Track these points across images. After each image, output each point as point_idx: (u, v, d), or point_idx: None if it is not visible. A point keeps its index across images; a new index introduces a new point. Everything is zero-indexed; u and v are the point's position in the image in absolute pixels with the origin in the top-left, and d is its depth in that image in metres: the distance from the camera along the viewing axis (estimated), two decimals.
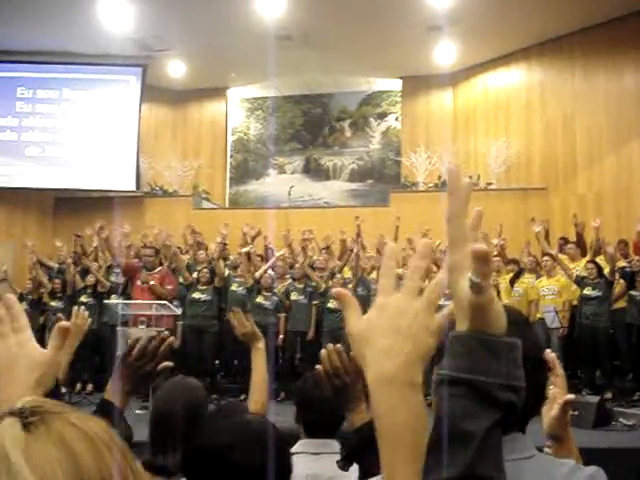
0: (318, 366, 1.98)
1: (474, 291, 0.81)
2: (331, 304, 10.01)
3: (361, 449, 1.88)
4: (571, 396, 1.62)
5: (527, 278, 10.41)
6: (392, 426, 0.84)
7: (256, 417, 1.74)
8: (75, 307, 2.97)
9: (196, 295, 10.29)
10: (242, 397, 9.22)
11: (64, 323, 1.20)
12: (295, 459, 1.92)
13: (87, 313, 2.89)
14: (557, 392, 1.64)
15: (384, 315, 0.88)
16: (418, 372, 0.86)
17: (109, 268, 11.23)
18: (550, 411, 1.64)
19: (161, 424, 2.45)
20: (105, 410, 1.84)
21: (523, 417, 1.45)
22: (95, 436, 0.76)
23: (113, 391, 1.93)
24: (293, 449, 2.50)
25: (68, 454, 0.72)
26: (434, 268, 9.55)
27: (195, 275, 10.61)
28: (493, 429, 0.82)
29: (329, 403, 2.59)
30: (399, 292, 0.90)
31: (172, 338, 2.00)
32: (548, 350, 1.55)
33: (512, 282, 10.17)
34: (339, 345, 1.97)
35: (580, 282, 9.79)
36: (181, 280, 10.55)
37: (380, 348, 0.86)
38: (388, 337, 0.86)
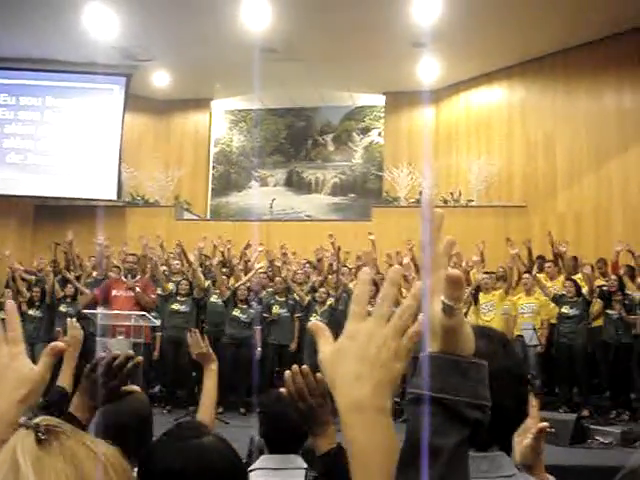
0: (282, 389, 1.94)
1: (446, 314, 0.86)
2: (313, 318, 10.01)
3: (328, 475, 1.86)
4: (545, 424, 1.64)
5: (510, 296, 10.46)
6: (364, 451, 0.86)
7: (213, 440, 1.71)
8: (68, 319, 2.99)
9: (175, 306, 10.26)
10: (220, 409, 9.22)
11: (59, 343, 1.19)
12: (253, 476, 1.90)
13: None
14: (530, 422, 1.65)
15: (354, 342, 0.90)
16: (387, 397, 0.88)
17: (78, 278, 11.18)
18: (523, 441, 1.65)
19: (108, 436, 2.42)
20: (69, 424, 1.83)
21: (506, 433, 1.48)
22: (106, 460, 0.77)
23: (78, 405, 1.93)
24: (254, 465, 2.51)
25: (77, 472, 0.74)
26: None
27: (171, 286, 10.58)
28: (461, 445, 0.86)
29: (292, 419, 2.60)
30: (369, 319, 0.92)
31: (140, 358, 2.00)
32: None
33: (475, 299, 10.20)
34: (305, 366, 1.93)
35: (558, 300, 9.86)
36: (160, 291, 10.51)
37: (350, 374, 0.88)
38: (358, 364, 0.88)
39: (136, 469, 2.07)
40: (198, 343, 3.10)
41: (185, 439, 1.68)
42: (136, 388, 2.09)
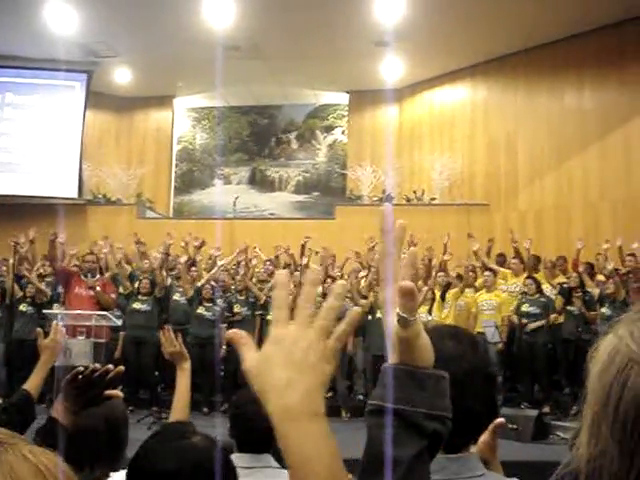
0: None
1: (400, 325, 0.87)
2: (270, 316, 9.96)
3: None
4: (501, 420, 1.66)
5: (469, 292, 10.55)
6: (301, 458, 0.83)
7: (203, 439, 1.71)
8: (54, 322, 2.97)
9: (136, 305, 10.16)
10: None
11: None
12: None
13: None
14: None
15: (279, 347, 0.87)
16: (320, 401, 0.85)
17: (42, 277, 10.99)
18: (480, 437, 1.67)
19: (80, 440, 2.39)
20: (51, 428, 1.83)
21: (477, 432, 1.48)
22: (46, 471, 0.75)
23: (60, 410, 1.93)
24: None
25: None
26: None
27: (135, 285, 10.49)
28: (419, 456, 0.87)
29: (263, 418, 2.58)
30: (293, 323, 0.89)
31: (121, 368, 2.00)
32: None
33: (442, 296, 10.27)
34: None
35: (522, 297, 9.97)
36: (121, 290, 10.41)
37: (279, 381, 0.85)
38: (286, 369, 0.85)
39: (117, 473, 2.05)
40: (171, 341, 3.06)
41: (176, 440, 1.67)
42: (118, 393, 2.08)
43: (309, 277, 0.92)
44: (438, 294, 10.21)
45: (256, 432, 2.55)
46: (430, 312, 10.00)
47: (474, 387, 1.38)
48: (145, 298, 10.19)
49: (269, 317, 9.92)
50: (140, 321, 10.01)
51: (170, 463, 1.61)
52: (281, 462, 2.57)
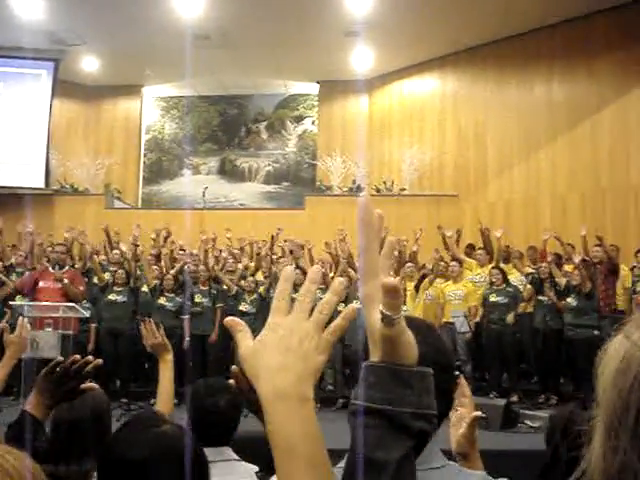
0: (230, 380, 1.93)
1: (384, 323, 0.85)
2: (242, 307, 9.95)
3: None
4: (478, 413, 1.65)
5: (438, 283, 10.59)
6: (287, 439, 0.85)
7: (174, 428, 1.69)
8: (20, 318, 2.94)
9: (112, 297, 10.05)
10: (152, 401, 9.08)
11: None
12: None
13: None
14: (465, 412, 1.67)
15: (276, 334, 0.90)
16: (310, 387, 0.88)
17: (8, 267, 10.83)
18: (458, 430, 1.67)
19: (66, 431, 2.38)
20: (25, 422, 1.81)
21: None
22: (14, 471, 0.73)
23: (34, 404, 1.91)
24: None
25: None
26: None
27: (107, 276, 10.39)
28: (406, 457, 0.86)
29: (222, 411, 2.58)
30: (291, 313, 0.92)
31: (99, 360, 1.98)
32: (457, 373, 1.60)
33: (417, 287, 10.31)
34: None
35: (489, 288, 10.04)
36: (95, 281, 10.32)
37: (273, 365, 0.88)
38: (280, 355, 0.88)
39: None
40: (153, 333, 3.04)
41: (146, 429, 1.66)
42: (94, 386, 2.06)
43: (310, 275, 0.95)
44: (411, 285, 10.21)
45: (215, 425, 2.54)
46: (404, 302, 10.04)
47: None
48: (121, 289, 10.10)
49: (241, 308, 9.93)
50: (116, 313, 9.93)
51: (140, 451, 1.60)
52: (240, 454, 2.57)
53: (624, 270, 10.11)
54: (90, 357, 2.04)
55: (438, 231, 11.31)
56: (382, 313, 0.85)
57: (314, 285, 0.94)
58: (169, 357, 3.05)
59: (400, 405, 0.86)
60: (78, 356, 2.00)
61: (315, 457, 0.84)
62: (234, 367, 1.91)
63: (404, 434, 0.86)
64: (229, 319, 0.95)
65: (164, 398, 2.93)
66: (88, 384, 1.99)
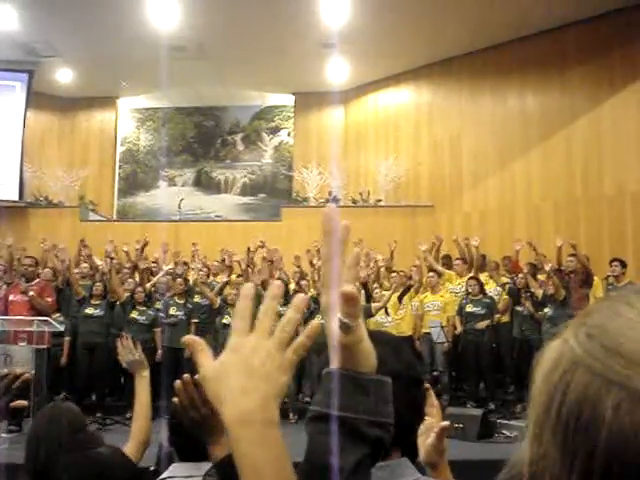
0: (175, 398, 1.90)
1: (343, 331, 0.86)
2: (225, 320, 9.90)
3: None
4: (446, 423, 1.66)
5: (422, 294, 10.63)
6: (253, 464, 0.84)
7: (109, 449, 1.68)
8: None
9: (89, 310, 9.99)
10: (128, 415, 9.02)
11: None
12: None
13: None
14: (433, 422, 1.67)
15: (238, 356, 0.88)
16: (275, 410, 0.87)
17: None
18: (426, 440, 1.67)
19: (43, 448, 2.35)
20: None
21: (403, 437, 1.46)
22: None
23: None
24: (165, 474, 2.45)
25: None
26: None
27: (84, 291, 10.32)
28: (361, 464, 0.87)
29: (201, 426, 2.55)
30: (252, 333, 0.91)
31: (27, 375, 1.94)
32: (426, 383, 1.60)
33: (400, 298, 10.33)
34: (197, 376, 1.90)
35: (465, 298, 10.08)
36: (72, 294, 10.24)
37: (235, 388, 0.86)
38: (243, 377, 0.87)
39: None
40: (130, 350, 3.00)
41: (82, 450, 1.64)
42: (24, 403, 2.02)
43: (271, 291, 0.94)
44: (394, 295, 10.21)
45: (195, 440, 2.51)
46: (387, 313, 10.05)
47: (395, 392, 1.36)
48: (98, 302, 10.04)
49: (224, 321, 9.88)
50: (93, 326, 9.85)
51: (75, 472, 1.58)
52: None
53: (596, 280, 10.19)
54: (18, 370, 2.01)
55: (435, 239, 11.51)
56: (340, 321, 0.86)
57: (274, 301, 0.93)
58: (145, 374, 3.01)
59: (356, 412, 0.87)
60: (6, 370, 1.97)
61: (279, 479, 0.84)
62: (177, 382, 1.88)
63: (360, 441, 0.87)
64: (188, 337, 0.93)
65: (142, 415, 2.90)
66: (19, 402, 1.95)
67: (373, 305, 9.70)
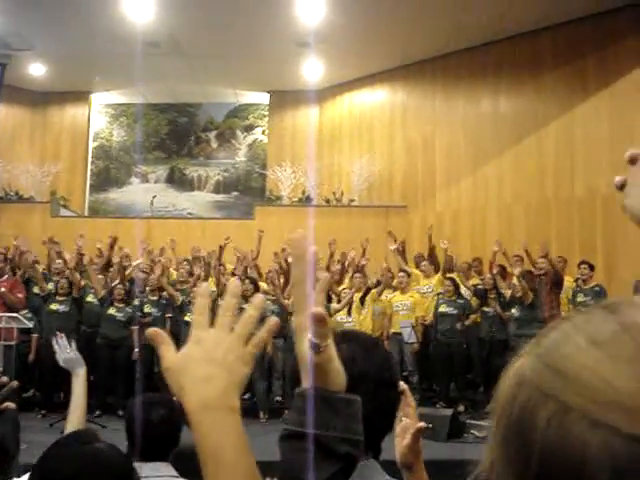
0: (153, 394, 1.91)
1: (313, 351, 0.89)
2: (187, 317, 9.85)
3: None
4: (422, 424, 1.66)
5: (385, 293, 10.65)
6: (213, 449, 0.86)
7: (107, 445, 1.68)
8: None
9: (54, 306, 9.89)
10: (97, 412, 9.01)
11: None
12: None
13: None
14: (409, 423, 1.67)
15: (200, 347, 0.92)
16: (235, 398, 0.90)
17: None
18: (402, 441, 1.67)
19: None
20: None
21: (374, 439, 1.47)
22: None
23: None
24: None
25: None
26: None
27: (50, 286, 10.22)
28: (333, 479, 0.90)
29: (156, 425, 2.54)
30: (213, 327, 0.94)
31: (15, 382, 1.93)
32: (402, 382, 1.61)
33: (362, 300, 10.33)
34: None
35: (439, 298, 10.13)
36: (37, 291, 10.12)
37: (198, 377, 0.89)
38: (205, 366, 0.90)
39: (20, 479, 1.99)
40: (64, 348, 2.98)
41: (78, 445, 1.65)
42: (11, 405, 2.01)
43: (230, 289, 0.98)
44: (357, 296, 10.23)
45: (151, 439, 2.50)
46: (349, 313, 10.05)
47: (365, 391, 1.35)
48: (63, 299, 9.95)
49: (186, 318, 9.85)
50: (57, 323, 9.74)
51: (71, 468, 1.58)
52: (182, 470, 2.53)
53: (568, 282, 10.27)
54: (5, 378, 1.99)
55: (388, 237, 11.42)
56: (310, 341, 0.89)
57: (234, 299, 0.96)
58: (82, 372, 2.99)
59: (327, 430, 0.90)
60: None
61: (242, 466, 0.86)
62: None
63: (332, 457, 0.90)
64: (151, 330, 0.96)
65: (76, 412, 2.87)
66: (5, 404, 1.93)
67: (332, 305, 9.71)
